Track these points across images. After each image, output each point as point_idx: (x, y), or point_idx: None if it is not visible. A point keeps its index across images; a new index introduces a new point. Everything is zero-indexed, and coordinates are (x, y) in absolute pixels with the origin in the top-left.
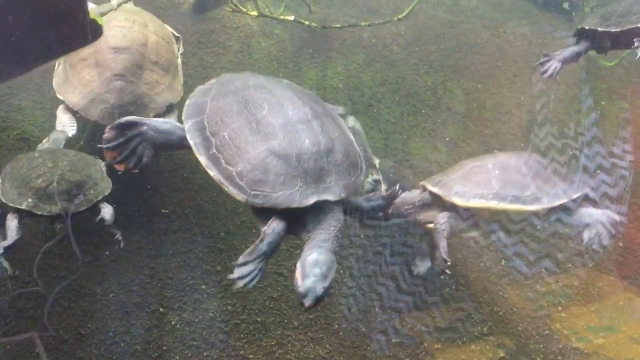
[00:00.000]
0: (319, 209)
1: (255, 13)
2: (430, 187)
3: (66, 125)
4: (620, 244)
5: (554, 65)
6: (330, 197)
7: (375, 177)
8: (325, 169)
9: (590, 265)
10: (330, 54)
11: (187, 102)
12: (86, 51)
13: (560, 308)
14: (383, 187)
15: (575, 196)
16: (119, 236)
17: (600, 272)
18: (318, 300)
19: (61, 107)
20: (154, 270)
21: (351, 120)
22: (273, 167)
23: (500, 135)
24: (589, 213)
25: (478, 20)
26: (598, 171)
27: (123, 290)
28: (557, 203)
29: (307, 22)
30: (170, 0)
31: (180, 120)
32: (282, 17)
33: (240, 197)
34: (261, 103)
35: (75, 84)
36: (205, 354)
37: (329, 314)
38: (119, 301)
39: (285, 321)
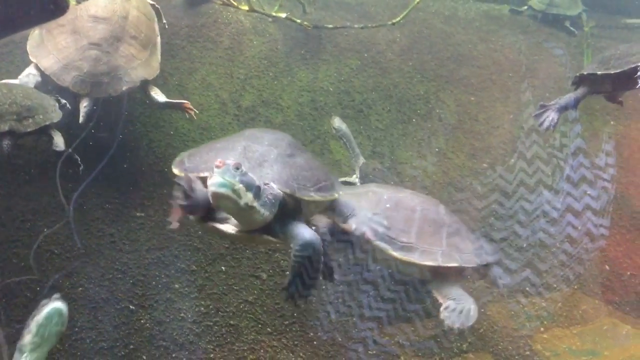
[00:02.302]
0: None
1: (245, 8)
2: None
3: (30, 75)
4: (607, 267)
5: (550, 116)
6: (266, 179)
7: (354, 179)
8: (269, 162)
9: (575, 286)
10: (322, 56)
11: None
12: (65, 18)
13: (542, 329)
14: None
15: (450, 265)
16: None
17: (585, 295)
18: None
19: (32, 65)
20: (126, 266)
21: (337, 121)
22: (218, 148)
23: (490, 149)
24: (458, 291)
25: (475, 32)
26: (587, 192)
27: (92, 285)
28: (426, 262)
29: (299, 21)
30: None
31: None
32: (274, 13)
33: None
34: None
35: (49, 48)
36: (174, 355)
37: (305, 322)
38: (87, 296)
39: (260, 326)
